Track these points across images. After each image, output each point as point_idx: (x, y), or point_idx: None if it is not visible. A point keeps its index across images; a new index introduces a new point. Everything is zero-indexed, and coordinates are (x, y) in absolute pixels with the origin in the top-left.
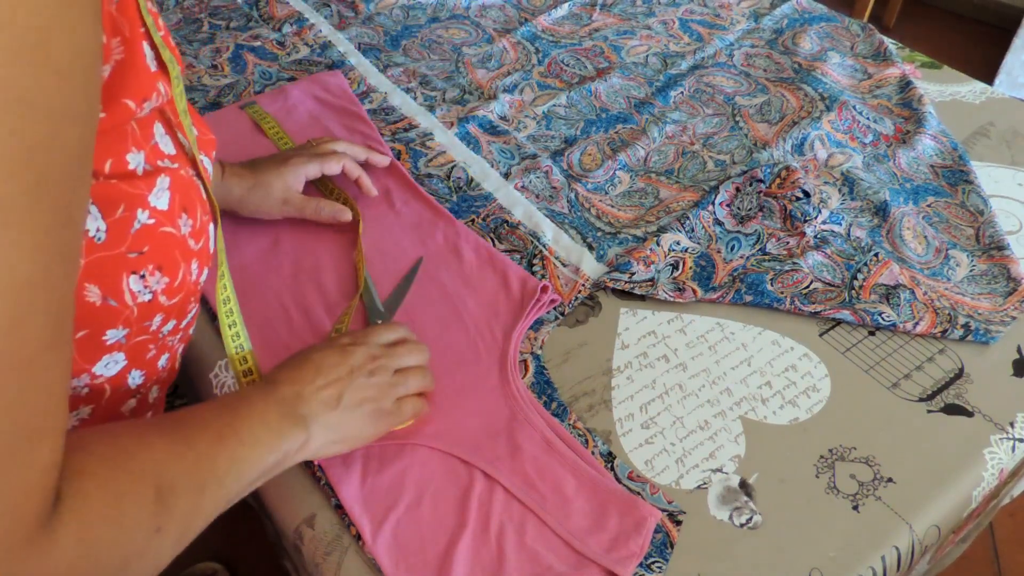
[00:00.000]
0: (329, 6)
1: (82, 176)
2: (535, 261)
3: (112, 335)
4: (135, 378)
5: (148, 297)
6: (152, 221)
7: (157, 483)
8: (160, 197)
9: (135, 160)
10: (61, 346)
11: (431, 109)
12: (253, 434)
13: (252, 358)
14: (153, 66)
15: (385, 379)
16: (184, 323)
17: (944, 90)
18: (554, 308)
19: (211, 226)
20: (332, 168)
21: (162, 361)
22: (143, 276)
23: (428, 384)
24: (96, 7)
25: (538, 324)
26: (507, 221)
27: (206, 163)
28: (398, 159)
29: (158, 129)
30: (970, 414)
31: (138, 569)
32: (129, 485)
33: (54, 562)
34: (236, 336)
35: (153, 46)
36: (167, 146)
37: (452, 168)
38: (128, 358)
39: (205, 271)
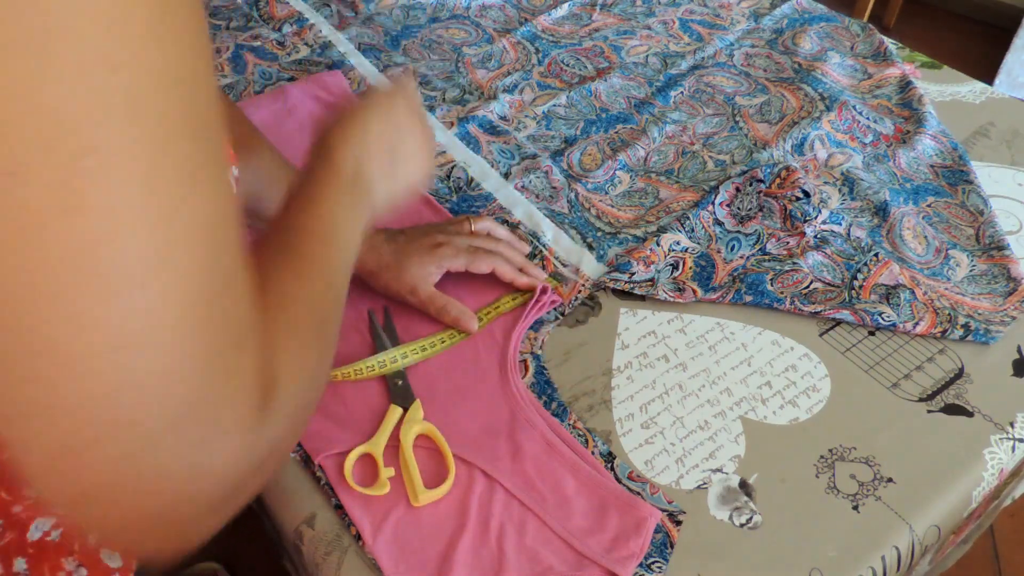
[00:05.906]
0: (329, 6)
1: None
2: (535, 261)
3: None
4: None
5: None
6: None
7: (316, 326)
8: None
9: None
10: (247, 267)
11: (431, 109)
12: (348, 238)
13: None
14: None
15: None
16: None
17: (944, 90)
18: (554, 308)
19: None
20: (481, 269)
21: None
22: None
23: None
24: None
25: (538, 324)
26: (507, 221)
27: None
28: None
29: None
30: (970, 414)
31: (307, 418)
32: (306, 342)
33: (269, 437)
34: None
35: None
36: None
37: (452, 168)
38: None
39: None
